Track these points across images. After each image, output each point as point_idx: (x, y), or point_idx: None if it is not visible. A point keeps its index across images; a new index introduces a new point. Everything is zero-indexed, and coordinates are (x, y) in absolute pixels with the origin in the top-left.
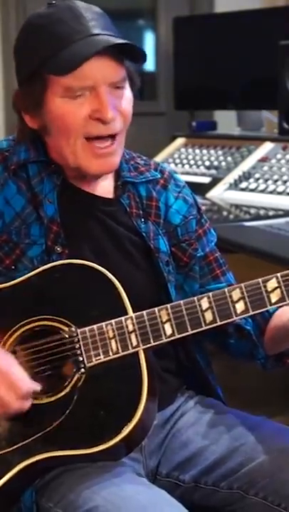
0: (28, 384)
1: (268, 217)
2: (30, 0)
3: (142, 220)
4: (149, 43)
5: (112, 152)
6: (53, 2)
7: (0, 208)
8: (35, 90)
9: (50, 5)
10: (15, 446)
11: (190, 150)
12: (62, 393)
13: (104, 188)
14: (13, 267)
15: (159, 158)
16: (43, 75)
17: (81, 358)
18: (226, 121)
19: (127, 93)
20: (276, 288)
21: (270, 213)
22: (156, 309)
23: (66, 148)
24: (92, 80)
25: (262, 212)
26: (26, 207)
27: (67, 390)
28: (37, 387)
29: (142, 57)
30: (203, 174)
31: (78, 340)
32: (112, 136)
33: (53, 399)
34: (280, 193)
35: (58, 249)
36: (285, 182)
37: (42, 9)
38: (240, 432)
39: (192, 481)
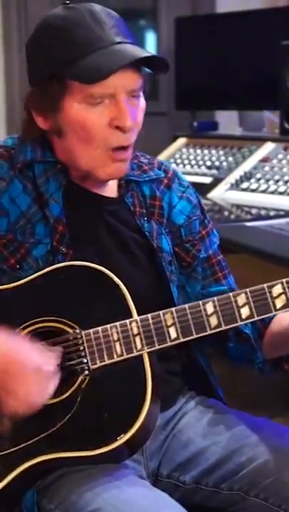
0: (50, 363)
1: (269, 217)
2: (32, 0)
3: (146, 219)
4: (150, 43)
5: (127, 158)
6: (69, 4)
7: (5, 207)
8: (53, 92)
9: (67, 7)
10: (18, 447)
11: (191, 150)
12: (66, 395)
13: (109, 187)
14: (17, 266)
15: (160, 158)
16: (64, 78)
17: (85, 360)
18: (228, 121)
19: (142, 102)
20: (281, 294)
21: (271, 213)
22: (161, 313)
23: (82, 154)
24: (113, 88)
25: (263, 212)
26: (32, 206)
27: (71, 391)
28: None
29: (165, 67)
30: (204, 174)
31: (82, 342)
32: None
33: (56, 400)
34: (281, 194)
35: (63, 249)
36: (286, 182)
37: (59, 11)
38: (241, 432)
39: (193, 482)
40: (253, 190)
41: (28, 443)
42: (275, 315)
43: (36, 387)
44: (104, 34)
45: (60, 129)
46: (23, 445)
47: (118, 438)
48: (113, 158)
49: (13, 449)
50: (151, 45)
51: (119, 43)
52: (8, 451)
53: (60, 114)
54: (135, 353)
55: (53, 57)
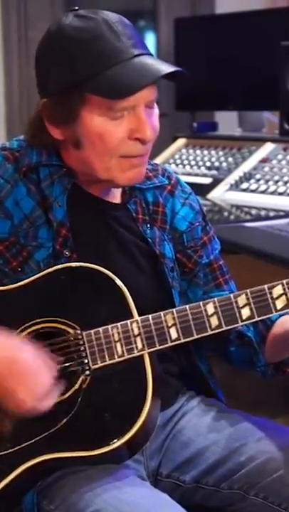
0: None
1: (268, 218)
2: (32, 1)
3: (148, 225)
4: (149, 43)
5: (144, 163)
6: (80, 11)
7: (9, 209)
8: (71, 104)
9: (82, 17)
10: (19, 447)
11: (191, 151)
12: (67, 395)
13: (112, 193)
14: (19, 269)
15: (160, 159)
16: (83, 92)
17: (86, 360)
18: (227, 121)
19: (156, 110)
20: (282, 295)
21: (271, 214)
22: (161, 313)
23: (98, 164)
24: (133, 100)
25: (263, 213)
26: (35, 209)
27: (72, 391)
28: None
29: (180, 78)
30: (204, 175)
31: (83, 343)
32: None
33: (57, 400)
34: (280, 194)
35: (67, 253)
36: (285, 183)
37: (75, 21)
38: (241, 432)
39: (193, 481)
40: (252, 191)
41: (29, 443)
42: (277, 318)
43: (35, 390)
44: (123, 46)
45: (78, 141)
46: (24, 445)
47: (119, 438)
48: (130, 164)
49: (14, 449)
50: (150, 45)
51: (138, 55)
52: (9, 450)
53: (77, 127)
54: (136, 354)
55: (72, 70)
